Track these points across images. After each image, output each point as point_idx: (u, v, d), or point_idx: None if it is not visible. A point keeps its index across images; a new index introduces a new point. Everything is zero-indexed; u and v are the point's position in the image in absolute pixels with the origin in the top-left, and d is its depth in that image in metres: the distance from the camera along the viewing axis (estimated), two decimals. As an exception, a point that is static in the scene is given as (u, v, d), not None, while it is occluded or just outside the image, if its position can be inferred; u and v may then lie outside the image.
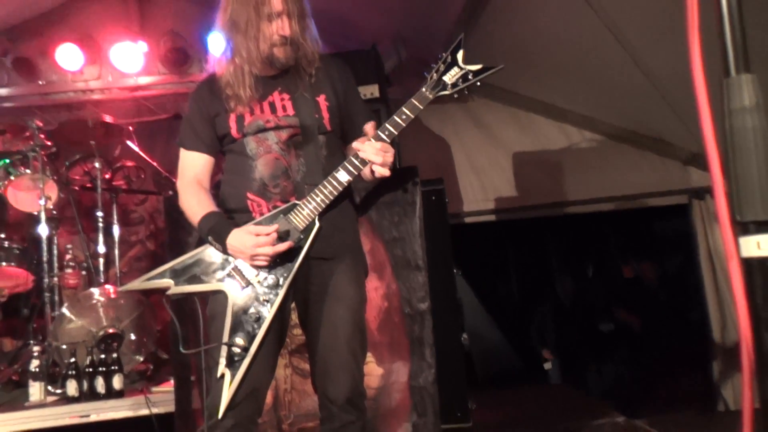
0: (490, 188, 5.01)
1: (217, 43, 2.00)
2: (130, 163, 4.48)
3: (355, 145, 1.94)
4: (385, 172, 1.90)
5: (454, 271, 3.38)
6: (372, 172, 1.92)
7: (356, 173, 1.92)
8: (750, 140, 0.95)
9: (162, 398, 3.18)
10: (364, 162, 1.91)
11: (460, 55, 1.95)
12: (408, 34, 4.57)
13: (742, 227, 0.97)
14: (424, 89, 1.95)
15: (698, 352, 4.76)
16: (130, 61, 4.80)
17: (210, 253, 1.96)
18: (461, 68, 1.94)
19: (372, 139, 1.90)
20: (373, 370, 2.81)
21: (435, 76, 1.96)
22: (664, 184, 4.79)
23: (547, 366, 5.58)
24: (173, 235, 2.93)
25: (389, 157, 1.90)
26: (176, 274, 1.94)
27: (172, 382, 3.08)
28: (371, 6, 4.50)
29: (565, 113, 4.90)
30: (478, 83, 1.95)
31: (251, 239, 1.86)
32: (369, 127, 1.96)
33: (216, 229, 1.92)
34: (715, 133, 0.96)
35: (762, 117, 0.96)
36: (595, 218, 5.57)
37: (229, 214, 2.02)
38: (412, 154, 4.12)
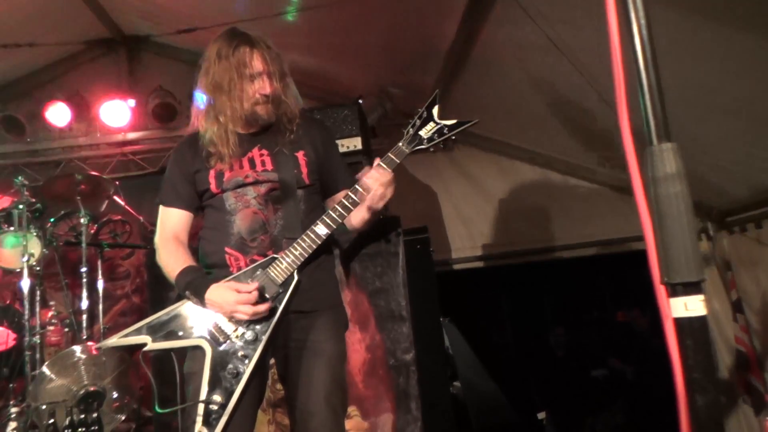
0: (477, 235, 5.04)
1: (198, 103, 2.04)
2: (116, 218, 4.48)
3: (360, 175, 1.95)
4: (380, 204, 1.92)
5: (441, 319, 3.35)
6: (365, 216, 1.94)
7: (335, 226, 1.94)
8: (674, 206, 0.99)
9: (143, 459, 3.08)
10: (342, 215, 1.92)
11: (435, 111, 2.01)
12: (392, 88, 4.68)
13: (671, 289, 0.99)
14: (401, 144, 1.99)
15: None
16: (119, 116, 4.87)
17: (188, 309, 1.94)
18: (437, 123, 1.99)
19: (381, 165, 1.92)
20: (358, 425, 2.75)
21: (411, 131, 2.01)
22: (649, 228, 4.82)
23: (541, 416, 5.47)
24: (155, 290, 2.90)
25: (390, 191, 1.93)
26: (153, 330, 1.92)
27: (154, 442, 3.00)
28: (357, 63, 4.63)
29: (549, 160, 4.98)
30: (453, 137, 1.99)
31: (232, 295, 1.85)
32: (376, 162, 1.96)
33: (194, 284, 1.92)
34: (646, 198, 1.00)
35: (683, 183, 1.00)
36: (586, 264, 5.58)
37: (208, 269, 2.03)
38: (399, 204, 4.14)
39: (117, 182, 4.43)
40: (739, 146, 3.54)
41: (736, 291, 4.35)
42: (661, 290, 0.98)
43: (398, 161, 1.96)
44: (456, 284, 5.11)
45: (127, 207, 4.43)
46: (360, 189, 1.92)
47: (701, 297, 0.98)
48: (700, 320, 0.98)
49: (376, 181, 1.90)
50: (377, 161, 1.95)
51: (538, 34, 3.28)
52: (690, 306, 0.97)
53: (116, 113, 4.88)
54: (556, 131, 4.60)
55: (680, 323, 0.98)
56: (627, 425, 5.26)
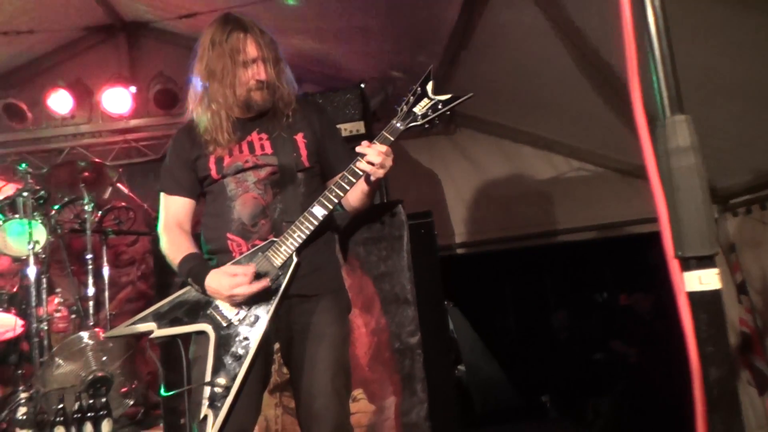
0: (480, 219, 5.03)
1: (193, 89, 2.03)
2: (119, 205, 4.49)
3: (358, 148, 1.93)
4: (380, 173, 1.90)
5: (446, 303, 3.36)
6: (365, 188, 1.94)
7: (332, 207, 1.93)
8: (687, 179, 0.99)
9: (151, 443, 3.12)
10: (339, 195, 1.92)
11: (429, 87, 1.99)
12: (395, 72, 4.66)
13: (685, 263, 0.99)
14: (394, 121, 1.97)
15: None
16: (120, 103, 4.87)
17: (191, 295, 1.96)
18: (431, 99, 1.98)
19: (375, 143, 1.91)
20: (364, 407, 2.77)
21: (405, 108, 1.99)
22: (652, 210, 4.80)
23: (545, 399, 5.51)
24: (161, 276, 2.92)
25: (388, 161, 1.92)
26: (159, 318, 1.94)
27: (162, 426, 3.03)
28: (358, 47, 4.60)
29: (551, 143, 4.96)
30: (449, 113, 1.98)
31: (228, 280, 1.87)
32: (364, 143, 1.94)
33: (194, 271, 1.93)
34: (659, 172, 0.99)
35: (697, 156, 0.99)
36: (588, 247, 5.58)
37: (211, 255, 2.04)
38: (402, 189, 4.15)
39: (120, 169, 4.44)
40: (744, 127, 3.52)
41: (741, 273, 4.35)
42: (674, 264, 0.98)
43: (392, 139, 1.94)
44: (458, 269, 5.12)
45: (130, 194, 4.44)
46: (356, 167, 1.91)
47: (715, 270, 0.98)
48: (714, 294, 0.97)
49: (373, 150, 1.88)
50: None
51: (540, 16, 3.26)
52: (704, 280, 0.97)
53: (118, 100, 4.87)
54: (558, 114, 4.58)
55: (694, 297, 0.98)
56: (629, 407, 5.30)
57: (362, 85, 3.79)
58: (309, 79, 4.76)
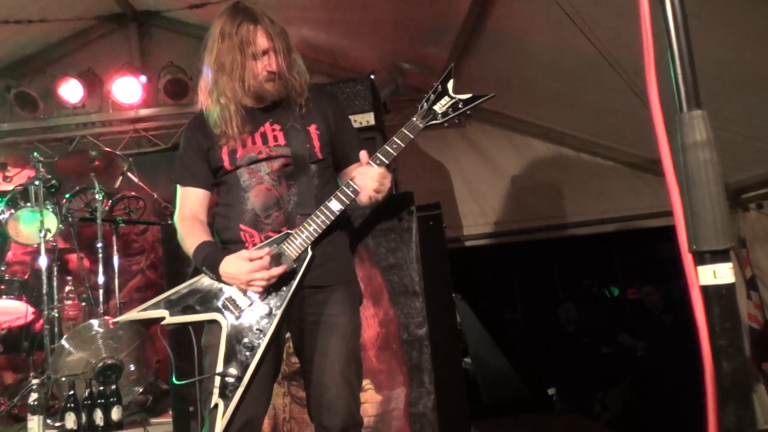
0: (489, 212, 5.03)
1: (203, 81, 2.03)
2: (130, 194, 4.52)
3: (354, 172, 1.96)
4: (379, 197, 1.93)
5: (454, 295, 3.36)
6: (369, 197, 1.94)
7: (348, 202, 1.94)
8: (703, 174, 0.99)
9: (161, 430, 3.16)
10: (356, 191, 1.92)
11: (450, 85, 2.00)
12: (405, 63, 4.64)
13: (699, 257, 0.99)
14: (414, 119, 1.98)
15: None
16: (131, 93, 4.88)
17: (205, 283, 1.97)
18: (451, 97, 1.98)
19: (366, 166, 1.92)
20: (371, 398, 2.79)
21: (426, 105, 2.00)
22: (662, 204, 4.79)
23: (551, 391, 5.51)
24: (171, 265, 2.93)
25: (387, 183, 1.93)
26: (171, 305, 1.94)
27: (170, 413, 3.06)
28: (368, 37, 4.59)
29: (562, 136, 4.94)
30: (468, 111, 1.98)
31: (246, 265, 1.87)
32: (363, 155, 1.98)
33: (209, 258, 1.94)
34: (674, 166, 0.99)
35: (713, 151, 0.99)
36: (598, 241, 5.55)
37: (223, 246, 2.04)
38: (411, 180, 4.15)
39: (130, 158, 4.46)
40: (756, 121, 3.49)
41: (751, 268, 4.33)
42: (688, 258, 0.98)
43: (412, 136, 1.96)
44: (467, 261, 5.12)
45: (140, 183, 4.46)
46: (353, 185, 1.92)
47: (729, 264, 0.98)
48: (729, 287, 0.98)
49: (365, 177, 1.90)
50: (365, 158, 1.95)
51: (552, 7, 3.23)
52: (719, 273, 0.97)
53: (128, 90, 4.88)
54: (569, 107, 4.56)
55: (708, 291, 0.98)
56: (636, 401, 5.29)
57: (372, 76, 3.78)
58: (318, 70, 4.76)
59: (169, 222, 3.54)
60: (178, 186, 2.11)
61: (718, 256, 0.98)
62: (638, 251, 6.52)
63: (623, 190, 4.84)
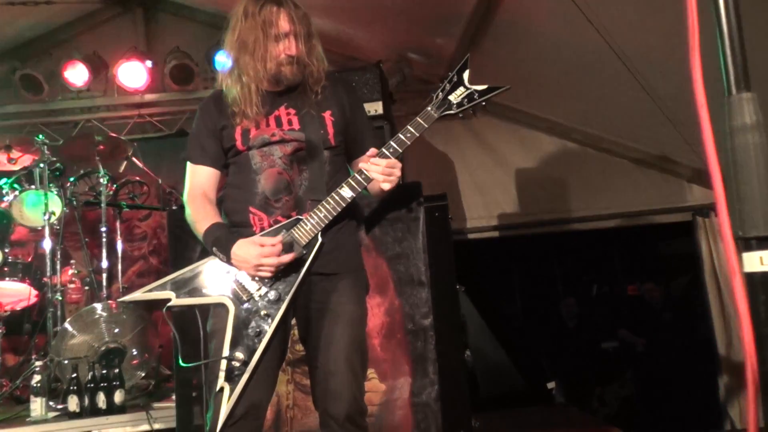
0: (493, 205, 5.02)
1: (224, 60, 2.03)
2: (134, 179, 4.51)
3: (362, 165, 1.96)
4: (388, 186, 1.92)
5: (457, 287, 3.36)
6: (380, 187, 1.94)
7: (360, 190, 1.93)
8: (751, 157, 0.96)
9: (163, 414, 3.16)
10: (368, 179, 1.92)
11: (466, 75, 1.99)
12: (412, 54, 4.62)
13: (745, 243, 0.97)
14: (429, 108, 1.97)
15: (704, 371, 4.71)
16: (136, 77, 4.86)
17: (212, 266, 1.96)
18: (467, 88, 1.97)
19: (378, 157, 1.92)
20: (375, 387, 2.79)
21: (441, 95, 1.99)
22: (667, 201, 4.79)
23: (551, 386, 5.53)
24: (175, 250, 2.93)
25: (396, 173, 1.92)
26: (177, 287, 1.93)
27: (173, 398, 3.07)
28: (375, 27, 4.55)
29: (567, 130, 4.92)
30: (483, 103, 1.97)
31: (256, 249, 1.87)
32: (371, 150, 1.97)
33: (221, 240, 1.93)
34: (717, 150, 0.97)
35: (762, 134, 0.97)
36: (600, 236, 5.55)
37: (231, 227, 2.03)
38: (416, 172, 4.14)
39: (135, 143, 4.45)
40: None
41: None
42: (730, 244, 0.96)
43: (426, 125, 1.95)
44: (470, 254, 5.11)
45: (145, 168, 4.45)
46: (366, 173, 1.91)
47: None
48: None
49: (375, 170, 1.89)
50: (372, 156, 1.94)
51: (564, -1, 3.21)
52: (766, 260, 0.95)
53: (133, 74, 4.86)
54: (576, 101, 4.54)
55: (753, 278, 0.95)
56: (636, 397, 5.31)
57: (381, 65, 3.76)
58: (326, 59, 4.72)
59: (174, 207, 3.54)
60: (189, 163, 2.09)
61: (766, 243, 0.95)
62: (641, 247, 6.51)
63: (628, 185, 4.83)
